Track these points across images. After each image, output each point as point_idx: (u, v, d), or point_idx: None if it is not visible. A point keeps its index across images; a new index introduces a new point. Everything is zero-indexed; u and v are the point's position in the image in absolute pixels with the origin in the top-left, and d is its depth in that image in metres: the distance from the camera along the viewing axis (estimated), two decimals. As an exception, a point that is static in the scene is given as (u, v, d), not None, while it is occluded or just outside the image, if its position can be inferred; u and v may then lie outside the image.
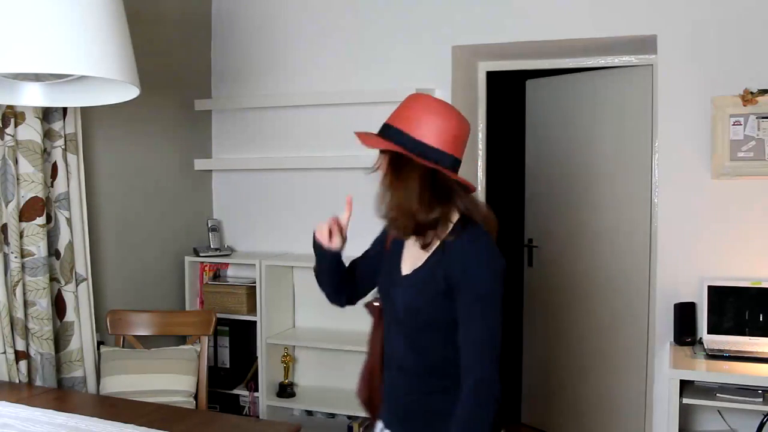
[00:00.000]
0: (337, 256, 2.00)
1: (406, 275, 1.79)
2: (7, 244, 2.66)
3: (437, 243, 1.73)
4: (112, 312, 3.07)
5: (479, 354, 1.62)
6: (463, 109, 3.65)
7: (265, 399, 3.58)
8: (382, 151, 1.79)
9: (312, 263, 3.73)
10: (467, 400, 1.61)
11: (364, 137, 1.79)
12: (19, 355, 2.67)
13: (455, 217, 1.72)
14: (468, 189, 1.74)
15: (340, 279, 2.03)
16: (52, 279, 2.84)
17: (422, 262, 1.75)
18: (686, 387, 2.74)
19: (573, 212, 3.97)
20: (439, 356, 1.72)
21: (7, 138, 2.64)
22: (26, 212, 2.70)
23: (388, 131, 1.76)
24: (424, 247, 1.74)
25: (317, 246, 2.01)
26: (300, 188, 3.80)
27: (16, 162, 2.67)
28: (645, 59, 3.52)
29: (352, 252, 3.93)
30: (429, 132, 1.69)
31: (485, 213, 1.73)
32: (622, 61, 3.59)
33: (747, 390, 2.67)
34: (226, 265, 3.90)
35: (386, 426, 1.89)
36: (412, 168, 1.69)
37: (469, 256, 1.66)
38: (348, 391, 3.64)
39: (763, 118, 2.95)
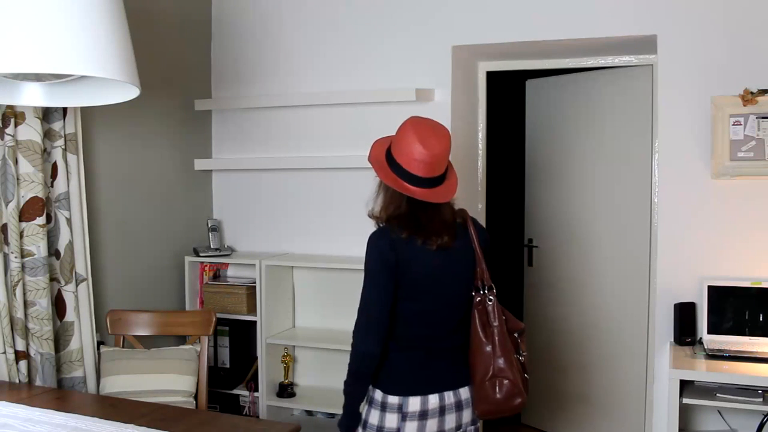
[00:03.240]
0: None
1: None
2: (7, 244, 2.66)
3: None
4: (112, 312, 3.07)
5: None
6: (463, 109, 3.67)
7: (265, 399, 3.58)
8: None
9: (311, 263, 3.74)
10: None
11: (373, 147, 2.27)
12: (19, 355, 2.68)
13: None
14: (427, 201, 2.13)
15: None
16: (52, 279, 2.84)
17: None
18: (686, 387, 2.74)
19: (573, 212, 3.97)
20: None
21: (7, 138, 2.64)
22: (26, 212, 2.71)
23: (389, 149, 2.21)
24: None
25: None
26: (300, 188, 3.80)
27: (16, 162, 2.67)
28: (645, 59, 3.52)
29: (351, 250, 3.90)
30: (402, 155, 2.12)
31: (421, 221, 2.13)
32: (622, 61, 3.59)
33: (747, 390, 2.67)
34: (226, 265, 3.90)
35: None
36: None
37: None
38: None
39: (763, 118, 2.95)
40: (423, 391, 2.13)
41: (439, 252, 2.12)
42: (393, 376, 2.14)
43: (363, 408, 2.19)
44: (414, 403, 2.11)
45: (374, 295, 2.11)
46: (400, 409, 2.11)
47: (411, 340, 2.15)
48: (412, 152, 2.08)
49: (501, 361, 2.14)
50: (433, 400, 2.13)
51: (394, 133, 2.19)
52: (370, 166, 3.51)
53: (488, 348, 2.15)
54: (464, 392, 2.19)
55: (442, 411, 2.15)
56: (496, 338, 2.15)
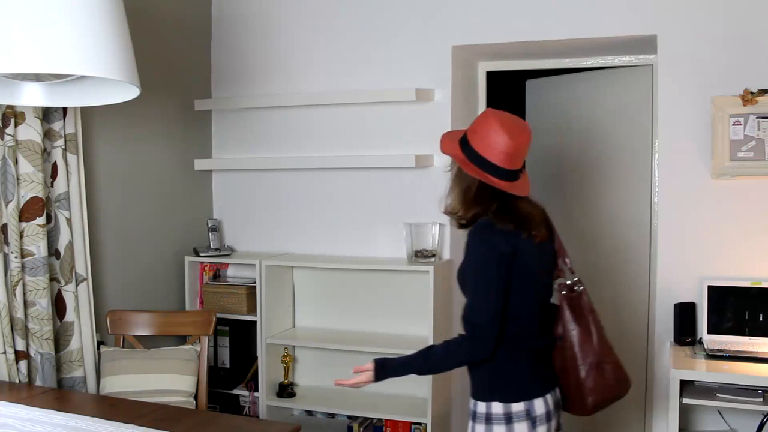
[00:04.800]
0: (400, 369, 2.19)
1: None
2: (7, 244, 2.66)
3: None
4: (112, 312, 3.07)
5: (464, 315, 2.04)
6: (463, 109, 3.67)
7: (265, 399, 3.58)
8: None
9: (311, 263, 3.74)
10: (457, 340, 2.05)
11: (443, 140, 2.13)
12: (19, 355, 2.68)
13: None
14: (512, 194, 2.04)
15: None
16: (52, 279, 2.84)
17: None
18: (686, 387, 2.74)
19: (573, 212, 3.97)
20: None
21: (7, 138, 2.64)
22: (26, 212, 2.71)
23: (463, 140, 2.09)
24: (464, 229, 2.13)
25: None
26: (300, 188, 3.80)
27: (16, 162, 2.67)
28: (645, 59, 3.52)
29: (351, 250, 3.91)
30: (484, 146, 2.01)
31: (521, 214, 2.05)
32: (622, 61, 3.59)
33: (747, 390, 2.66)
34: (226, 265, 3.90)
35: None
36: (463, 174, 2.06)
37: (467, 238, 2.05)
38: (348, 391, 3.65)
39: (763, 118, 2.95)
40: (543, 391, 2.05)
41: (538, 245, 2.07)
42: (513, 381, 2.02)
43: (476, 428, 2.06)
44: (540, 405, 2.02)
45: (492, 291, 1.97)
46: (529, 415, 1.99)
47: (518, 339, 2.04)
48: (499, 143, 1.98)
49: (604, 347, 2.12)
50: (550, 398, 2.06)
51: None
52: (370, 166, 3.55)
53: (590, 335, 2.11)
54: (558, 390, 2.14)
55: (557, 408, 2.10)
56: (592, 326, 2.12)
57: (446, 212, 2.12)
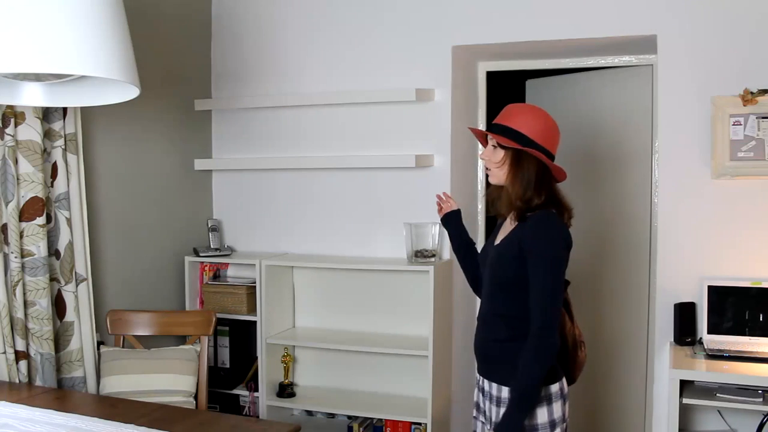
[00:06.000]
0: (456, 232, 2.49)
1: (497, 244, 2.22)
2: (7, 244, 2.66)
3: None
4: (112, 312, 3.07)
5: (539, 307, 2.01)
6: (463, 109, 3.67)
7: (265, 399, 3.58)
8: (503, 147, 2.15)
9: (311, 263, 3.74)
10: (528, 343, 2.03)
11: (495, 136, 2.15)
12: (19, 355, 2.68)
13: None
14: (558, 179, 2.18)
15: (465, 262, 2.48)
16: (52, 279, 2.84)
17: (508, 233, 2.17)
18: (686, 387, 2.74)
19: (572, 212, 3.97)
20: (507, 309, 2.13)
21: (7, 138, 2.64)
22: (26, 212, 2.71)
23: (504, 130, 2.13)
24: (522, 220, 2.13)
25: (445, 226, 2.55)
26: (300, 188, 3.80)
27: (16, 162, 2.67)
28: (645, 59, 3.52)
29: (351, 250, 3.91)
30: (538, 132, 2.11)
31: (566, 203, 2.18)
32: (622, 61, 3.59)
33: (747, 390, 2.67)
34: (226, 265, 3.90)
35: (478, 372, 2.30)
36: (530, 162, 2.11)
37: (538, 228, 2.07)
38: (348, 391, 3.66)
39: (763, 118, 2.95)
40: (562, 371, 2.18)
41: None
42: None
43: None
44: (565, 383, 2.17)
45: (561, 285, 2.07)
46: (561, 393, 2.13)
47: None
48: (550, 130, 2.15)
49: (578, 328, 2.28)
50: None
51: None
52: (370, 166, 3.56)
53: (573, 320, 2.26)
54: None
55: None
56: (572, 312, 2.28)
57: (519, 203, 2.11)
